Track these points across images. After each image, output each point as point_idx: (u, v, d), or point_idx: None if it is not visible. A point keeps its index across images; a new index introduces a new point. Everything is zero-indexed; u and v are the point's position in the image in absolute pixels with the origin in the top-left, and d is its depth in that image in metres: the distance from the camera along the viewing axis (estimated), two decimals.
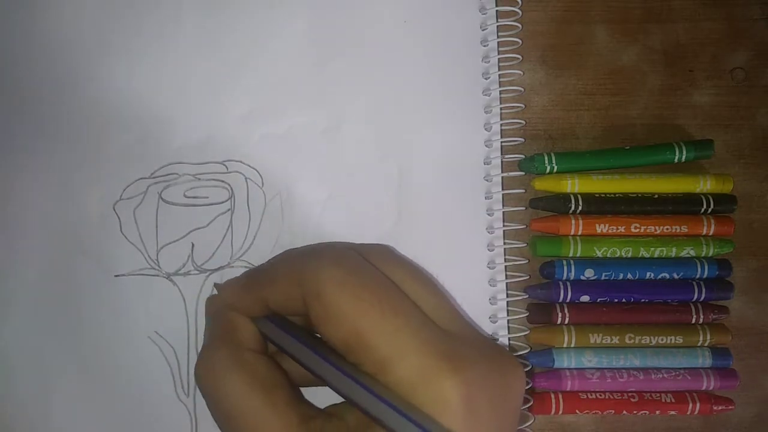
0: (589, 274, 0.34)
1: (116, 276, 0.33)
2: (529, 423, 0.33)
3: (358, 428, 0.23)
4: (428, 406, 0.21)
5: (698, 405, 0.33)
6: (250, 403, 0.23)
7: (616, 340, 0.33)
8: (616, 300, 0.34)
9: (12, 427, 0.32)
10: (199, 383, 0.25)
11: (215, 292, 0.29)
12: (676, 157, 0.34)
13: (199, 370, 0.24)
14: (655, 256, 0.34)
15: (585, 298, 0.34)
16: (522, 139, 0.34)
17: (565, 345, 0.33)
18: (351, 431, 0.23)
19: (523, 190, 0.34)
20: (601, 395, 0.33)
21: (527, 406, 0.33)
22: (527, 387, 0.33)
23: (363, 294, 0.23)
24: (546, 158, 0.34)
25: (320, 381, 0.23)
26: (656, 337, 0.33)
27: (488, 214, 0.34)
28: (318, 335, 0.25)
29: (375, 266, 0.24)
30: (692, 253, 0.34)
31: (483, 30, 0.35)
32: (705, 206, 0.34)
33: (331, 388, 0.23)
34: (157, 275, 0.33)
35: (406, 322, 0.22)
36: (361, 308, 0.22)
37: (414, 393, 0.21)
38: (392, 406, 0.21)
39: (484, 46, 0.35)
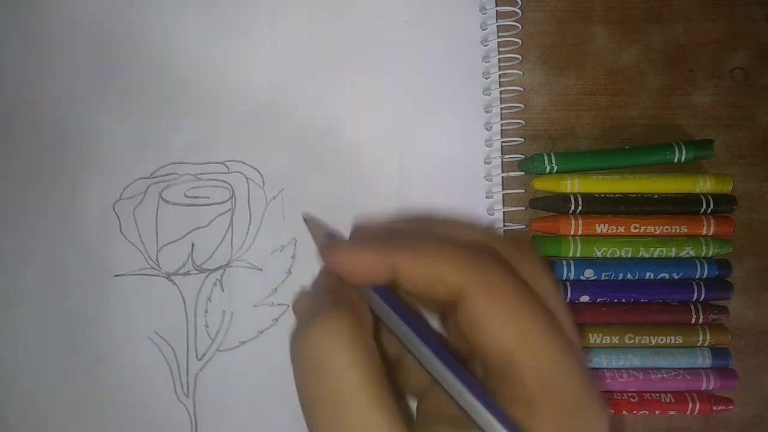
0: (588, 274, 0.34)
1: (116, 276, 0.33)
2: None
3: None
4: None
5: (698, 405, 0.33)
6: (360, 394, 0.18)
7: (615, 340, 0.33)
8: (615, 300, 0.34)
9: (12, 426, 0.32)
10: (304, 346, 0.19)
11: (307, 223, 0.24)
12: (676, 157, 0.34)
13: (313, 333, 0.19)
14: (655, 256, 0.34)
15: (585, 299, 0.34)
16: (522, 139, 0.34)
17: None
18: None
19: (523, 190, 0.34)
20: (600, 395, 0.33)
21: None
22: None
23: (525, 312, 0.18)
24: (546, 158, 0.34)
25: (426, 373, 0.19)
26: (656, 337, 0.33)
27: (489, 214, 0.34)
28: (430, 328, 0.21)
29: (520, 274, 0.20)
30: (692, 253, 0.34)
31: (483, 30, 0.35)
32: (705, 206, 0.34)
33: (439, 385, 0.19)
34: (157, 275, 0.33)
35: (562, 352, 0.18)
36: (525, 327, 0.18)
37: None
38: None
39: (485, 46, 0.35)
